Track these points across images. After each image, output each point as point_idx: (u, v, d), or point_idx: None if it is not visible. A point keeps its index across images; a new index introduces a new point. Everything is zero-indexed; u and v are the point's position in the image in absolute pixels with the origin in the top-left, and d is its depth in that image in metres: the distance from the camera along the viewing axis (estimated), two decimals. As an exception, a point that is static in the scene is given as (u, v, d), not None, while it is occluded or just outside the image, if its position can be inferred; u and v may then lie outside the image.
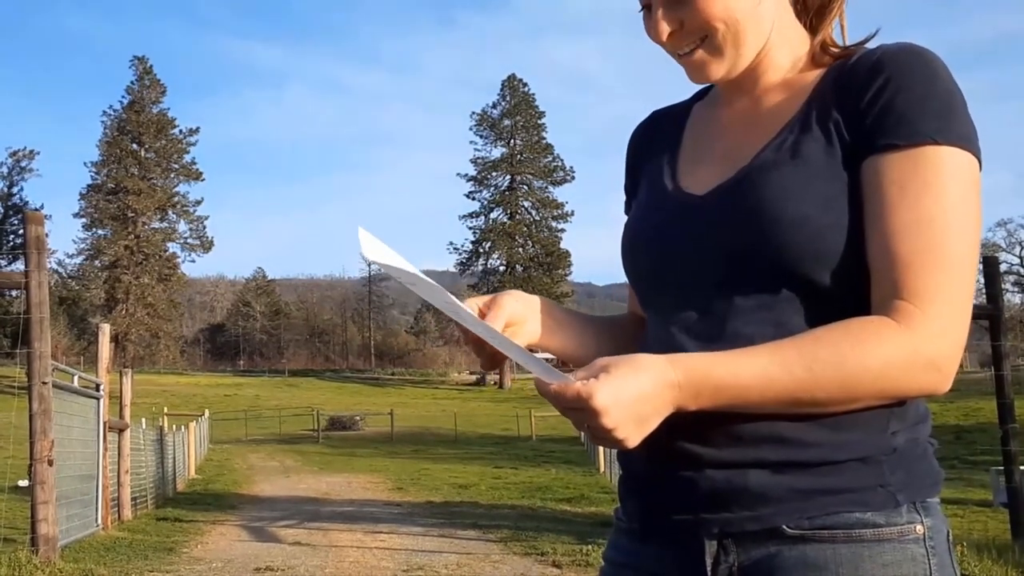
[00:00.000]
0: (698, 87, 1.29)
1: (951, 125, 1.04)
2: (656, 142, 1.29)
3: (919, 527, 1.05)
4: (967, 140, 1.05)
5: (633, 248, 1.22)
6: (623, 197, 1.36)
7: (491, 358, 1.12)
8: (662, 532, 1.12)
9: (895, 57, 1.07)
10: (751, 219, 1.08)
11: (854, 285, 1.06)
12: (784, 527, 1.05)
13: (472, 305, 1.14)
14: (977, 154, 1.05)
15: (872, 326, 1.01)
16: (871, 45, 1.14)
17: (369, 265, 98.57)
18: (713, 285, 1.11)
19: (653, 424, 0.98)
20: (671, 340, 1.13)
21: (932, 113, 1.04)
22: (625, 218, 1.29)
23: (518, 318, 1.16)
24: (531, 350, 1.16)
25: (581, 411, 0.95)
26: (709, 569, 1.08)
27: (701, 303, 1.12)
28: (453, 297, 1.10)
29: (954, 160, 1.03)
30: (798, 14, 1.19)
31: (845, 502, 1.04)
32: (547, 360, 1.13)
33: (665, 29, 1.12)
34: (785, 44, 1.17)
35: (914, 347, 1.00)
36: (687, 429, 1.02)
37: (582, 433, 1.02)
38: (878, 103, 1.06)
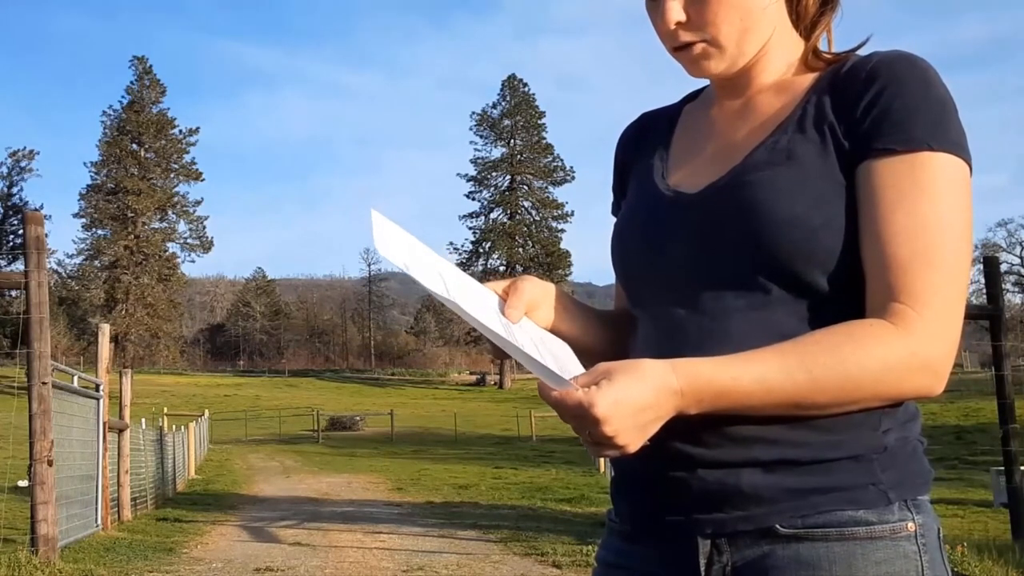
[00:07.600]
0: (689, 90, 1.29)
1: (945, 132, 1.06)
2: (646, 142, 1.29)
3: (911, 524, 1.06)
4: (959, 147, 1.07)
5: (623, 247, 1.23)
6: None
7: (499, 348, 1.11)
8: (655, 532, 1.12)
9: (891, 65, 1.08)
10: (743, 218, 1.08)
11: (846, 286, 1.07)
12: (777, 526, 1.05)
13: (490, 289, 1.13)
14: (968, 160, 1.07)
15: (871, 329, 1.02)
16: (862, 52, 1.15)
17: (369, 265, 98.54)
18: (704, 284, 1.11)
19: (653, 430, 0.99)
20: (661, 339, 1.13)
21: (927, 120, 1.06)
22: (614, 219, 1.29)
23: (534, 303, 1.16)
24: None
25: (582, 419, 0.95)
26: (703, 569, 1.08)
27: (691, 302, 1.12)
28: (471, 283, 1.09)
29: (948, 166, 1.05)
30: (793, 23, 1.19)
31: (837, 500, 1.05)
32: None
33: (673, 18, 1.12)
34: (781, 47, 1.18)
35: (911, 350, 1.01)
36: (679, 429, 1.02)
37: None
38: (875, 109, 1.07)
